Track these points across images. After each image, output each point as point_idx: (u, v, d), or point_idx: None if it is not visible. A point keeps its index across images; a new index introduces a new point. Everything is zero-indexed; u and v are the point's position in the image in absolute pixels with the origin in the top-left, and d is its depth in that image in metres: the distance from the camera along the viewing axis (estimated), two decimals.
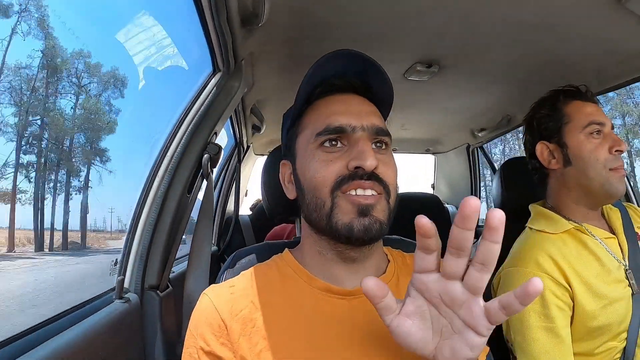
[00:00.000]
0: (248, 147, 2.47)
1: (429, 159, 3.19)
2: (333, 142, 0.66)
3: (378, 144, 0.67)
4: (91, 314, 0.83)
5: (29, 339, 0.68)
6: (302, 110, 0.73)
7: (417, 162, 3.34)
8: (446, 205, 2.86)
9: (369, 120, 0.66)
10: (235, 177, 2.39)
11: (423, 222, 0.45)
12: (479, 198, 2.86)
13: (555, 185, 1.09)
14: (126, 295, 0.95)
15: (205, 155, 1.14)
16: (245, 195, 3.15)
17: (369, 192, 0.62)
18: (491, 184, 1.59)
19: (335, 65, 0.71)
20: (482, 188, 2.92)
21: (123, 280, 0.96)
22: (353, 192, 0.62)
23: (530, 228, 1.09)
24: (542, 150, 1.09)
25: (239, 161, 2.23)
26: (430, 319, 0.50)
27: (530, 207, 1.15)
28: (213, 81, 1.22)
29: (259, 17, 1.03)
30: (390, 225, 0.65)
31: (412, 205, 1.75)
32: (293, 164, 0.72)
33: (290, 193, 0.73)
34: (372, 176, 0.62)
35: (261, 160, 2.94)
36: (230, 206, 2.59)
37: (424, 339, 0.49)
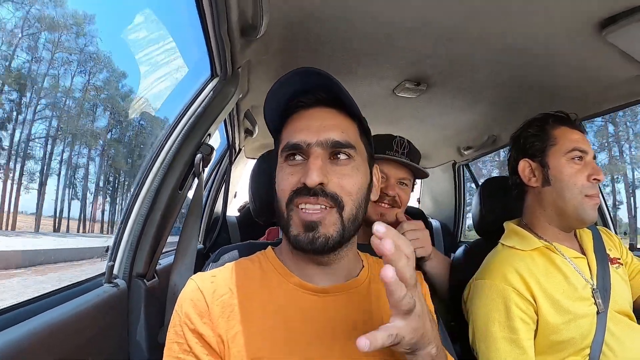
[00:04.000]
0: (240, 150, 2.52)
1: None
2: (296, 157, 0.72)
3: (338, 156, 0.72)
4: (81, 294, 0.88)
5: (18, 312, 0.73)
6: (280, 128, 0.79)
7: None
8: (430, 220, 2.93)
9: (325, 135, 0.71)
10: (225, 178, 2.44)
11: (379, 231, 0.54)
12: (464, 215, 2.93)
13: (532, 202, 1.14)
14: (115, 281, 1.01)
15: (198, 155, 1.19)
16: (235, 196, 3.19)
17: (317, 207, 0.68)
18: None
19: (299, 81, 0.77)
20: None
21: (113, 266, 1.01)
22: (303, 206, 0.69)
23: (502, 244, 1.14)
24: (525, 167, 1.13)
25: (230, 163, 2.29)
26: None
27: (505, 224, 1.20)
28: (210, 85, 1.28)
29: (257, 29, 1.09)
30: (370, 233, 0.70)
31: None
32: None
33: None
34: (317, 192, 0.68)
35: (252, 164, 2.99)
36: (219, 206, 2.63)
37: None
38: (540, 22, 1.06)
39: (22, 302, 0.76)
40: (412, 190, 1.46)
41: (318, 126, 0.72)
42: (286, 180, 0.71)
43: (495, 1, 0.99)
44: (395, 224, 1.54)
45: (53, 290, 0.86)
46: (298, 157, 0.72)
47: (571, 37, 1.11)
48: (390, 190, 1.35)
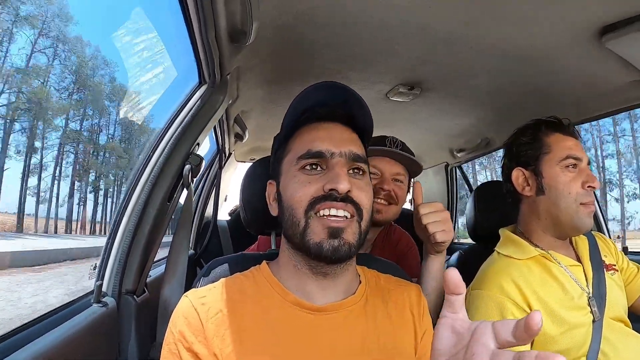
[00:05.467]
0: (230, 154, 2.49)
1: None
2: (313, 166, 0.72)
3: (355, 170, 0.73)
4: (70, 317, 0.85)
5: (8, 343, 0.70)
6: (288, 136, 0.78)
7: None
8: None
9: (346, 147, 0.72)
10: (215, 182, 2.41)
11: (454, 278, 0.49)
12: (456, 217, 2.93)
13: (527, 211, 1.13)
14: (104, 300, 0.98)
15: (187, 166, 1.16)
16: (225, 200, 3.16)
17: (341, 212, 0.68)
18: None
19: (319, 95, 0.77)
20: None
21: (101, 285, 0.98)
22: (326, 212, 0.68)
23: (498, 252, 1.12)
24: (518, 176, 1.11)
25: (220, 167, 2.25)
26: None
27: (500, 231, 1.18)
28: (198, 93, 1.25)
29: (247, 35, 1.07)
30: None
31: None
32: (277, 184, 0.77)
33: (274, 210, 0.79)
34: (346, 198, 0.68)
35: (241, 167, 2.96)
36: (209, 210, 2.60)
37: (444, 352, 0.49)
38: (540, 29, 1.06)
39: (9, 332, 0.73)
40: (409, 191, 1.44)
41: (339, 138, 0.74)
42: (304, 188, 0.70)
43: (495, 8, 0.98)
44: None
45: (41, 315, 0.83)
46: (317, 166, 0.72)
47: (570, 43, 1.11)
48: (386, 184, 1.33)
